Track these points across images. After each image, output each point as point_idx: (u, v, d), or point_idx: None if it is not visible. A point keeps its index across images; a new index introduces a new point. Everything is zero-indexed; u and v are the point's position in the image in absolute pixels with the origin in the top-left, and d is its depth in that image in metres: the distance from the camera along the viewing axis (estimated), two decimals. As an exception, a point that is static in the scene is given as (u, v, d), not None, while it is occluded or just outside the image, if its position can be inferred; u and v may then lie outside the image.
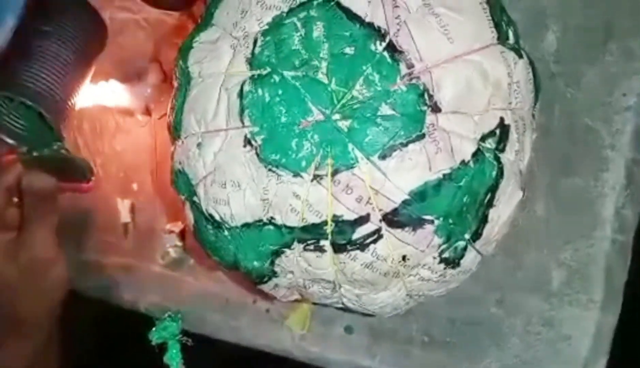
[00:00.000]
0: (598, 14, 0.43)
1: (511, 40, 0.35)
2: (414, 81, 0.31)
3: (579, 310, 0.44)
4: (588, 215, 0.44)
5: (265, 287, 0.39)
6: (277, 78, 0.32)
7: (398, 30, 0.31)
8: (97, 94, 0.47)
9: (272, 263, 0.36)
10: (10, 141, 0.44)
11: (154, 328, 0.43)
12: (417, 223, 0.32)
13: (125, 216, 0.55)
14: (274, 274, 0.37)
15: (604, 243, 0.43)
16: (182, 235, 0.53)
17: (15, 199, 0.44)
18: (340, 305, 0.39)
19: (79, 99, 0.46)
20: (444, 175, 0.32)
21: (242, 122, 0.33)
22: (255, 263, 0.36)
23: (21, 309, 0.43)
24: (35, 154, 0.42)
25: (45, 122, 0.42)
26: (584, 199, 0.44)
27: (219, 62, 0.35)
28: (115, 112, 0.54)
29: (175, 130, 0.38)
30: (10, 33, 0.48)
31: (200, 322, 0.52)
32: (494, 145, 0.33)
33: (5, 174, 0.43)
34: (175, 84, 0.39)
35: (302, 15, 0.32)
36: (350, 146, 0.31)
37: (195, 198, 0.37)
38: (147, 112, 0.53)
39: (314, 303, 0.46)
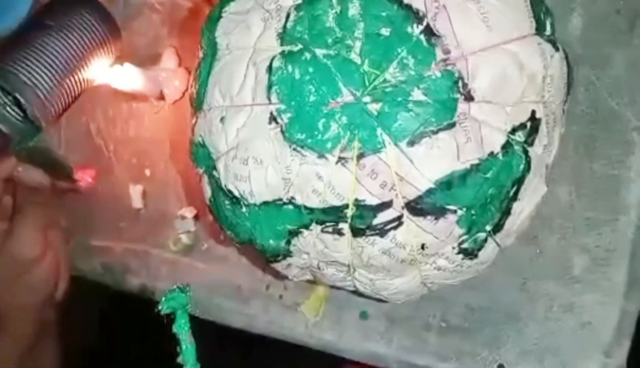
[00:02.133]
0: None
1: (548, 31, 0.34)
2: (449, 67, 0.30)
3: (601, 297, 0.43)
4: (612, 201, 0.43)
5: (278, 266, 0.39)
6: (308, 55, 0.32)
7: (436, 14, 0.30)
8: (111, 78, 0.46)
9: (289, 242, 0.35)
10: (5, 130, 0.43)
11: (163, 298, 0.43)
12: (439, 212, 0.32)
13: (137, 202, 0.54)
14: (289, 253, 0.36)
15: (629, 229, 0.43)
16: (199, 217, 0.53)
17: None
18: (352, 288, 0.39)
19: (75, 100, 0.45)
20: (472, 165, 0.31)
21: (269, 99, 0.33)
22: (271, 241, 0.36)
23: (2, 302, 0.43)
24: (23, 145, 0.43)
25: (26, 113, 0.41)
26: (609, 184, 0.43)
27: (249, 34, 0.34)
28: (129, 96, 0.53)
29: (197, 102, 0.37)
30: (21, 20, 0.47)
31: (212, 309, 0.52)
32: (523, 138, 0.32)
33: (2, 163, 0.43)
34: (201, 54, 0.38)
35: (338, -8, 0.31)
36: (378, 130, 0.31)
37: (214, 173, 0.36)
38: (162, 97, 0.53)
39: (328, 286, 0.46)
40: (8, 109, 0.42)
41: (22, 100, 0.40)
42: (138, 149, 0.55)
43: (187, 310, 0.40)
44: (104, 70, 0.45)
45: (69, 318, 0.46)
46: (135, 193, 0.54)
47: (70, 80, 0.43)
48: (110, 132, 0.55)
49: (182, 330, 0.40)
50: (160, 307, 0.41)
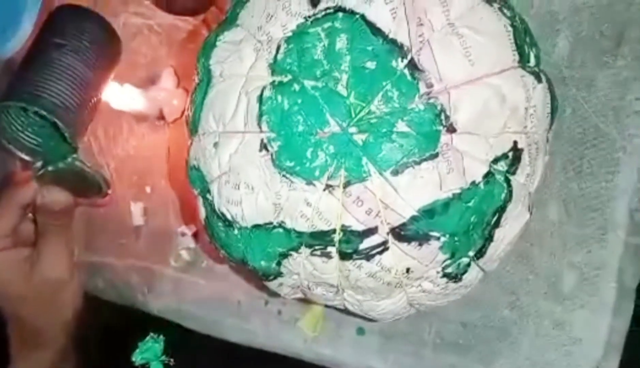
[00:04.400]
0: (610, 18, 0.43)
1: (532, 63, 0.35)
2: (431, 100, 0.31)
3: (590, 313, 0.44)
4: (601, 218, 0.44)
5: (270, 285, 0.40)
6: (297, 86, 0.33)
7: (420, 48, 0.31)
8: (111, 98, 0.47)
9: (279, 264, 0.37)
10: (25, 157, 0.43)
11: (137, 350, 0.44)
12: (423, 239, 0.33)
13: (138, 219, 0.56)
14: (280, 274, 0.38)
15: (617, 246, 0.43)
16: (195, 236, 0.54)
17: (31, 215, 0.44)
18: (342, 307, 0.40)
19: (94, 113, 0.45)
20: (454, 194, 0.32)
21: (260, 127, 0.34)
22: (263, 263, 0.37)
23: (36, 323, 0.44)
24: (50, 168, 0.42)
25: (59, 133, 0.41)
26: (596, 202, 0.44)
27: (241, 64, 0.35)
28: (129, 116, 0.55)
29: (193, 126, 0.39)
30: (27, 38, 0.48)
31: (211, 324, 0.53)
32: (505, 168, 0.33)
33: (21, 191, 0.43)
34: (196, 79, 0.39)
35: (326, 25, 0.33)
36: (364, 160, 0.32)
37: (208, 196, 0.37)
38: (161, 116, 0.54)
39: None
40: (23, 135, 0.42)
41: (59, 123, 0.40)
42: (138, 167, 0.56)
43: (162, 361, 0.42)
44: (105, 90, 0.46)
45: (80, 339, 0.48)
46: (136, 210, 0.55)
47: (90, 97, 0.43)
48: (111, 150, 0.57)
49: None
50: (134, 358, 0.43)
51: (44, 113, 0.40)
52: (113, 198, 0.51)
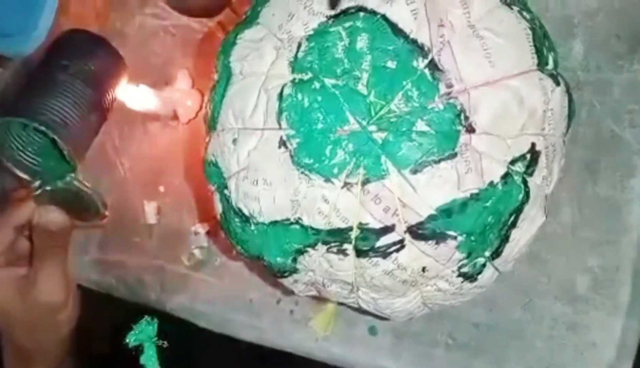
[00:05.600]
0: (625, 23, 0.43)
1: (550, 66, 0.35)
2: (451, 101, 0.32)
3: (604, 316, 0.44)
4: (615, 222, 0.44)
5: (285, 281, 0.40)
6: (317, 84, 0.33)
7: (441, 49, 0.32)
8: (126, 99, 0.48)
9: (295, 260, 0.37)
10: (23, 176, 0.43)
11: (131, 331, 0.44)
12: (440, 237, 0.33)
13: (151, 218, 0.56)
14: (295, 271, 0.38)
15: (631, 249, 0.44)
16: (211, 232, 0.54)
17: (27, 233, 0.43)
18: (356, 306, 0.41)
19: (95, 134, 0.45)
20: (472, 194, 0.32)
21: (279, 124, 0.34)
22: (279, 259, 0.37)
23: (29, 343, 0.44)
24: (48, 187, 0.41)
25: (59, 151, 0.41)
26: (611, 206, 0.44)
27: (261, 62, 0.36)
28: (144, 115, 0.55)
29: (211, 123, 0.39)
30: (45, 37, 0.48)
31: (224, 322, 0.53)
32: (522, 169, 0.34)
33: (18, 210, 0.42)
34: (215, 77, 0.40)
35: (348, 24, 0.33)
36: (383, 158, 0.32)
37: (225, 191, 0.38)
38: (175, 117, 0.54)
39: (337, 302, 0.47)
40: (23, 154, 0.42)
41: (58, 140, 0.40)
42: (152, 166, 0.56)
43: (155, 343, 0.42)
44: (119, 90, 0.47)
45: (81, 329, 0.47)
46: (149, 209, 0.56)
47: (91, 116, 0.43)
48: (125, 150, 0.57)
49: (150, 362, 0.42)
50: (128, 340, 0.43)
51: (43, 129, 0.40)
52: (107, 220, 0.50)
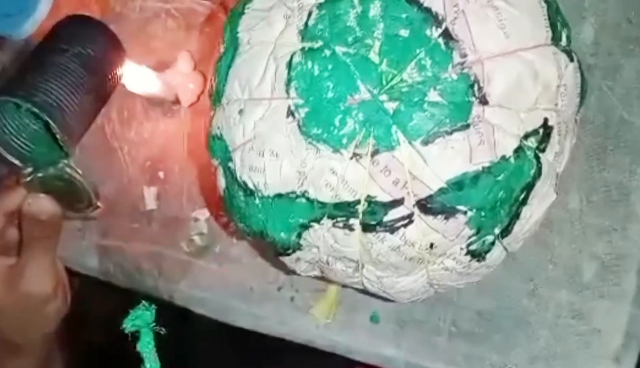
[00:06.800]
0: (637, 6, 0.43)
1: (564, 42, 0.35)
2: (465, 71, 0.31)
3: (610, 303, 0.44)
4: (622, 208, 0.44)
5: (287, 259, 0.39)
6: (328, 52, 0.32)
7: (455, 18, 0.31)
8: (127, 82, 0.47)
9: (299, 236, 0.36)
10: (16, 162, 0.41)
11: (127, 317, 0.43)
12: (450, 212, 0.33)
13: (151, 203, 0.55)
14: (299, 247, 0.37)
15: (638, 237, 0.43)
16: (209, 220, 0.53)
17: (17, 222, 0.41)
18: (360, 286, 0.40)
19: (91, 122, 0.44)
20: (484, 167, 0.32)
21: (288, 93, 0.33)
22: (283, 234, 0.36)
23: (17, 333, 0.42)
24: (39, 174, 0.40)
25: (52, 135, 0.39)
26: (618, 192, 0.44)
27: (270, 30, 0.35)
28: (144, 100, 0.54)
29: (216, 95, 0.38)
30: (43, 20, 0.47)
31: (223, 310, 0.52)
32: (535, 144, 0.33)
33: (7, 197, 0.41)
34: (221, 48, 0.39)
35: (360, -8, 0.32)
36: (394, 128, 0.32)
37: (230, 164, 0.37)
38: (177, 100, 0.53)
39: (339, 289, 0.46)
40: (17, 139, 0.41)
41: (51, 123, 0.38)
42: (152, 152, 0.55)
43: (152, 329, 0.41)
44: (119, 76, 0.46)
45: (75, 318, 0.46)
46: (149, 195, 0.54)
47: (87, 103, 0.42)
48: (125, 135, 0.56)
49: (146, 348, 0.41)
50: (124, 326, 0.42)
51: (37, 110, 0.38)
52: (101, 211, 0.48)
